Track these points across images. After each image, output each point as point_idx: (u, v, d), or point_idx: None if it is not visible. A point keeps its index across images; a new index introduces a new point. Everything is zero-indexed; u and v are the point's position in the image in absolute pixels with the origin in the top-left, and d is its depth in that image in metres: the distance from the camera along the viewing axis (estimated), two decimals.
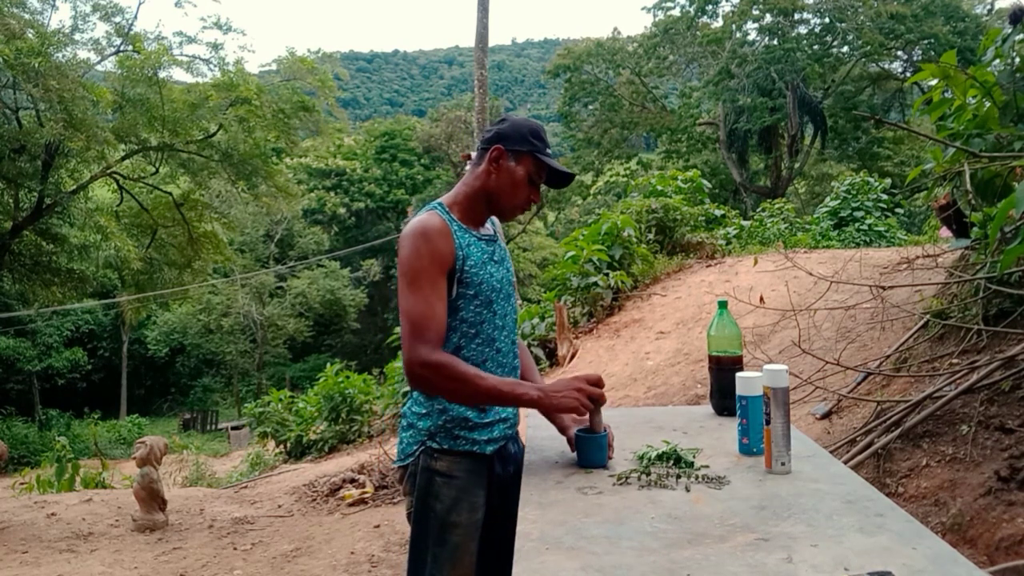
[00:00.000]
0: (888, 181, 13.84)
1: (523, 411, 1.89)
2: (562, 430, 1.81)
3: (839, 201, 13.15)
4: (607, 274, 8.40)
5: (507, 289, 1.85)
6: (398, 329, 8.67)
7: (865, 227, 12.40)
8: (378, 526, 4.83)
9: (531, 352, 2.18)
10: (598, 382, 1.66)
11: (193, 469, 10.09)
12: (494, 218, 1.95)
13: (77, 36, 15.16)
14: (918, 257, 4.86)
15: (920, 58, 23.94)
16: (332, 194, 36.28)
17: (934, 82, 3.24)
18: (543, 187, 1.87)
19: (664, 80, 30.71)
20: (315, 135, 19.61)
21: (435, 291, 1.67)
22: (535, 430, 1.97)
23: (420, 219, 1.74)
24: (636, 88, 29.59)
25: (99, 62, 15.94)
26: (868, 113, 23.36)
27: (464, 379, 1.63)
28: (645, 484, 1.52)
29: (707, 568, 1.13)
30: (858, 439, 3.04)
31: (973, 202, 3.23)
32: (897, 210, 13.53)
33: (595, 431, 1.67)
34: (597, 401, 1.64)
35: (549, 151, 1.82)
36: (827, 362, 3.59)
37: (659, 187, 11.13)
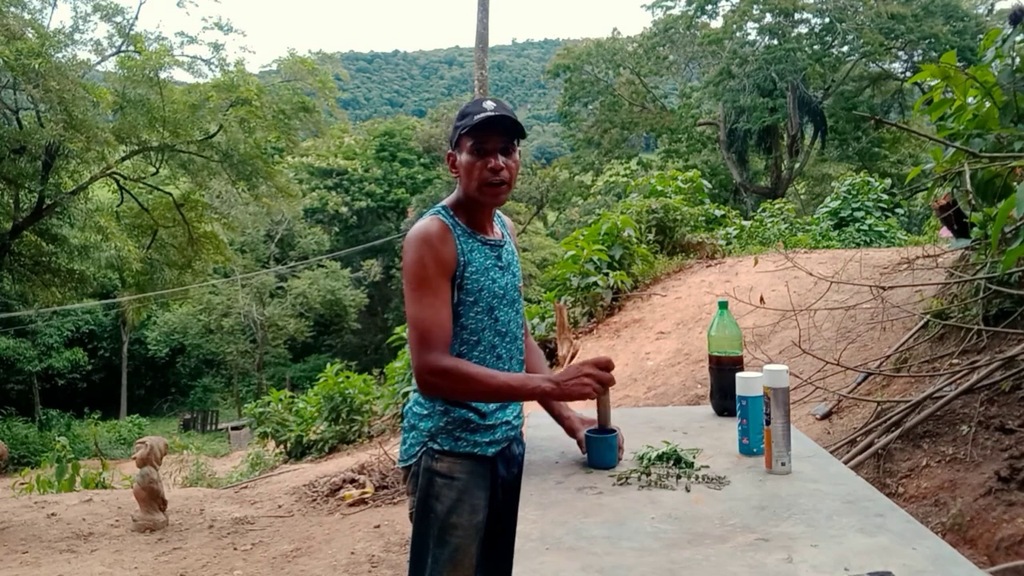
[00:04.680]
0: (888, 181, 13.85)
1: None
2: (571, 432, 1.80)
3: (839, 201, 13.15)
4: (607, 274, 8.39)
5: (511, 295, 1.82)
6: (398, 329, 8.65)
7: (865, 227, 12.40)
8: (378, 526, 4.83)
9: None
10: (607, 365, 1.64)
11: (193, 469, 10.08)
12: (506, 220, 1.94)
13: (77, 36, 15.16)
14: (918, 257, 4.85)
15: (920, 58, 23.94)
16: (333, 193, 36.27)
17: (934, 82, 3.24)
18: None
19: (664, 80, 30.71)
20: (316, 135, 19.56)
21: (439, 297, 1.68)
22: (535, 430, 1.97)
23: (423, 224, 1.73)
24: (636, 88, 29.59)
25: (99, 62, 15.93)
26: (868, 113, 23.35)
27: (475, 379, 1.64)
28: (645, 484, 1.52)
29: (707, 568, 1.13)
30: (858, 439, 3.04)
31: (973, 202, 3.23)
32: (897, 210, 13.53)
33: (604, 423, 1.68)
34: (606, 384, 1.64)
35: (482, 114, 1.68)
36: (827, 362, 3.59)
37: (659, 187, 11.11)
